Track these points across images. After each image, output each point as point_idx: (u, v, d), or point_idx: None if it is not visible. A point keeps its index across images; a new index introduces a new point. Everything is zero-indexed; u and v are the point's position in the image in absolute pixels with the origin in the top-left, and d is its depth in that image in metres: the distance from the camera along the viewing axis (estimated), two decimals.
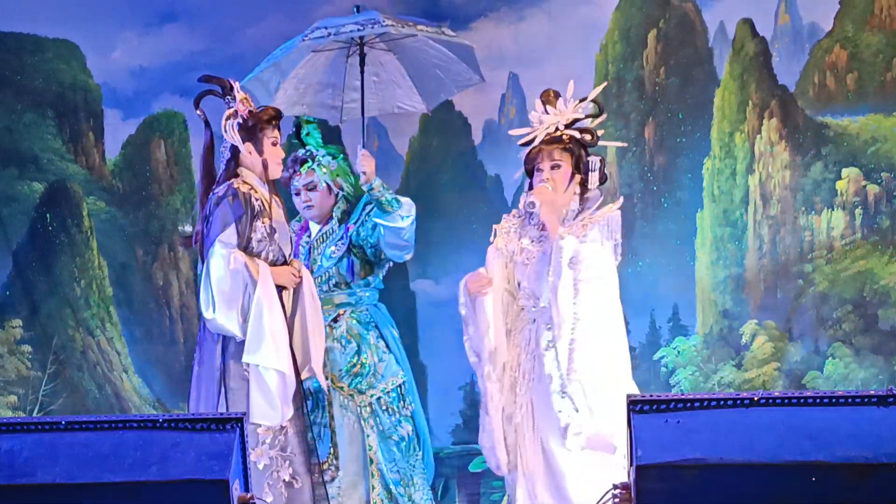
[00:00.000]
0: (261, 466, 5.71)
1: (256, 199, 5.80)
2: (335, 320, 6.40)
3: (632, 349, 8.15)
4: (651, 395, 4.45)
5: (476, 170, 8.31)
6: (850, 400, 4.38)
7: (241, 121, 5.83)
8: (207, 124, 5.96)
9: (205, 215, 5.83)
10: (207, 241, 5.76)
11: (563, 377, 5.60)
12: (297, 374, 5.84)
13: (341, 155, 6.54)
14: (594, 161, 5.88)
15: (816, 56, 8.13)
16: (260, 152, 5.88)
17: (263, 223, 5.81)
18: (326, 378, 6.21)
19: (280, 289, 5.82)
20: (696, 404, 4.40)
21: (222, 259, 5.68)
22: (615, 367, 5.75)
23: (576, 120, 5.90)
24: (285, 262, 5.90)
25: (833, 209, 8.06)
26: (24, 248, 8.31)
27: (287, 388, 5.69)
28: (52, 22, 8.34)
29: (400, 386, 6.39)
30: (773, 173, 8.14)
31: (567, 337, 5.63)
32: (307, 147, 6.45)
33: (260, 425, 5.72)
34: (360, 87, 6.50)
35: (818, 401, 4.41)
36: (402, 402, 6.38)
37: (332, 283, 6.43)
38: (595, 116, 5.94)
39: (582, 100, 5.90)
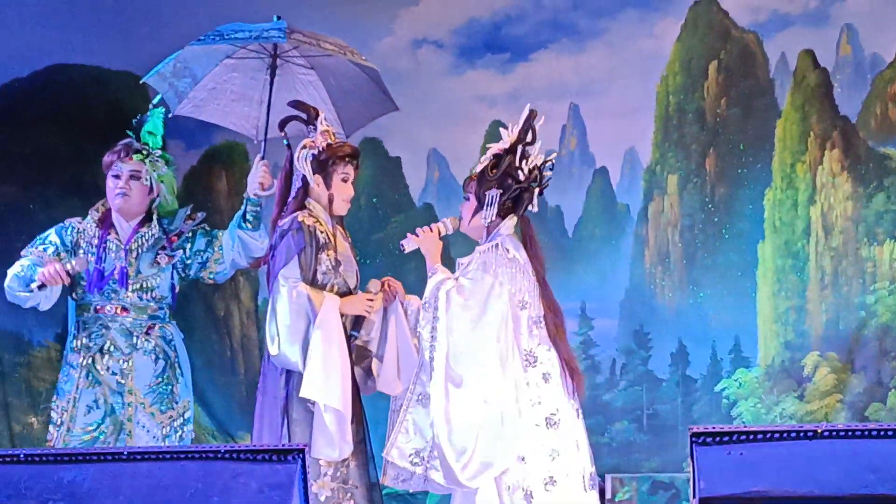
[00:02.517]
0: (322, 498, 5.70)
1: (321, 232, 5.80)
2: (147, 332, 6.25)
3: (692, 380, 8.18)
4: (714, 427, 4.42)
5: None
6: None
7: (315, 152, 5.83)
8: (289, 146, 5.96)
9: (271, 245, 5.84)
10: (272, 275, 5.78)
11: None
12: (360, 407, 5.84)
13: (173, 167, 6.36)
14: (491, 195, 5.80)
15: (878, 87, 8.10)
16: (328, 186, 5.85)
17: (328, 256, 5.81)
18: (130, 392, 6.14)
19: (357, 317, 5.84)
20: (759, 436, 4.37)
21: (285, 292, 5.69)
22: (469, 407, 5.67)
23: (506, 149, 5.83)
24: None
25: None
26: None
27: (340, 424, 5.67)
28: (114, 54, 8.42)
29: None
30: (835, 204, 8.09)
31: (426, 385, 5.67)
32: (144, 142, 6.26)
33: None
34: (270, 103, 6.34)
35: (882, 433, 4.37)
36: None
37: (150, 293, 6.25)
38: (529, 144, 5.86)
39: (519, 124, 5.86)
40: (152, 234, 6.22)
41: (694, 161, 8.23)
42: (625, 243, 8.20)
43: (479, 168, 5.88)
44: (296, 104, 5.98)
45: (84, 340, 6.13)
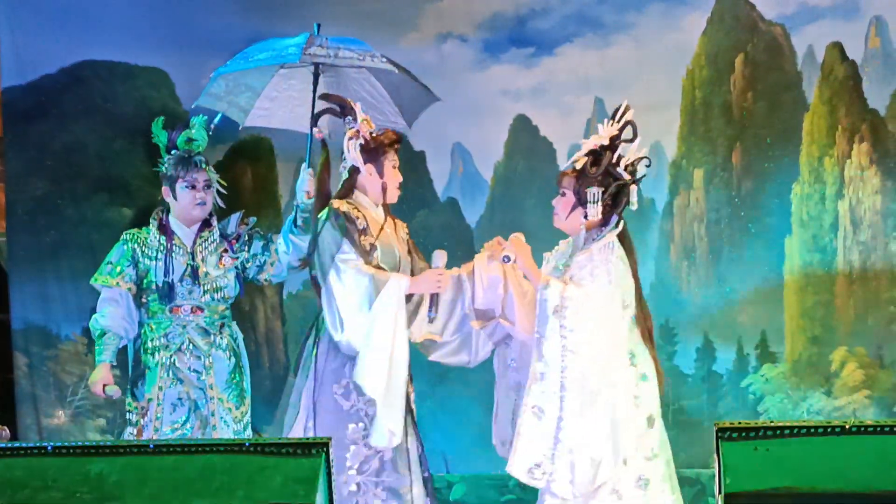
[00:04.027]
0: (345, 493, 5.71)
1: (358, 218, 5.80)
2: (220, 330, 6.42)
3: (719, 376, 8.15)
4: (740, 423, 4.41)
5: None
6: None
7: (362, 142, 5.84)
8: (325, 144, 5.98)
9: (312, 238, 5.85)
10: (323, 266, 5.76)
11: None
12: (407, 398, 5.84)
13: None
14: (594, 192, 5.78)
15: None
16: (381, 175, 5.88)
17: (363, 240, 5.81)
18: (211, 388, 6.28)
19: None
20: (786, 432, 4.37)
21: (348, 275, 5.67)
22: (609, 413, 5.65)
23: (605, 145, 5.81)
24: None
25: None
26: None
27: (393, 411, 5.64)
28: (142, 50, 8.44)
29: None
30: (864, 198, 8.06)
31: (555, 402, 5.59)
32: (187, 149, 6.45)
33: (349, 449, 5.72)
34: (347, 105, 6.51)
35: None
36: None
37: (220, 293, 6.43)
38: (630, 141, 5.84)
39: (613, 119, 5.83)
40: (213, 238, 6.39)
41: (720, 155, 8.21)
42: (650, 238, 8.18)
43: (576, 164, 5.85)
44: (326, 97, 6.00)
45: (162, 340, 6.34)
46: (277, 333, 8.51)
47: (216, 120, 6.66)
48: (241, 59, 6.50)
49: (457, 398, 8.01)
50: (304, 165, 6.36)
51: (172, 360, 6.33)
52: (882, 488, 4.19)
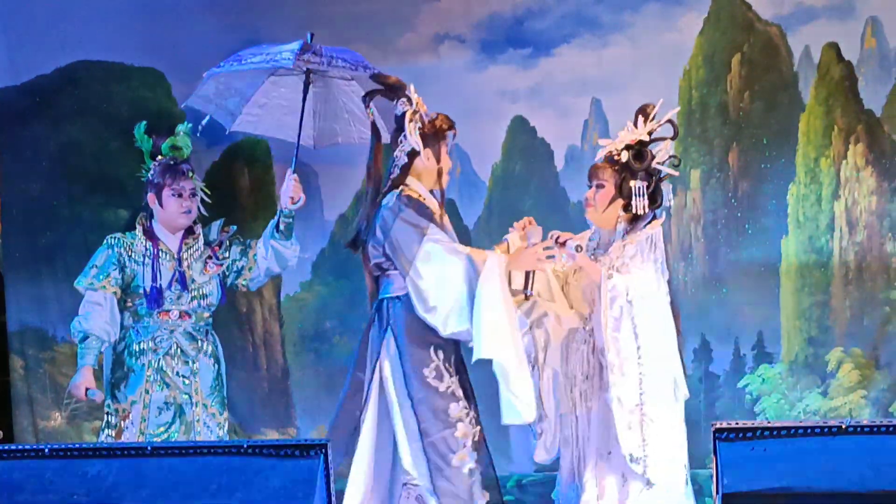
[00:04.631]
0: (465, 470, 5.63)
1: (425, 206, 5.72)
2: (206, 336, 6.43)
3: (716, 377, 8.16)
4: (737, 423, 4.41)
5: (558, 196, 8.28)
6: None
7: (421, 125, 5.78)
8: (375, 128, 5.89)
9: (377, 225, 5.70)
10: (403, 252, 5.63)
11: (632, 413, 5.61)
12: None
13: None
14: (638, 186, 5.81)
15: None
16: (438, 159, 5.76)
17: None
18: (197, 392, 6.30)
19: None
20: (783, 432, 4.37)
21: (441, 257, 5.55)
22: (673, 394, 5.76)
23: (645, 140, 5.84)
24: None
25: None
26: None
27: (521, 384, 5.51)
28: (138, 50, 8.44)
29: None
30: (860, 199, 8.06)
31: (635, 389, 5.62)
32: (173, 156, 6.44)
33: (456, 427, 5.62)
34: (335, 114, 6.50)
35: None
36: None
37: (205, 300, 6.44)
38: (671, 139, 5.89)
39: (646, 116, 5.84)
40: (198, 246, 6.39)
41: (717, 156, 8.21)
42: None
43: (608, 155, 5.85)
44: (377, 77, 5.88)
45: (150, 344, 6.33)
46: (275, 336, 8.50)
47: (204, 122, 6.66)
48: (235, 60, 6.49)
49: None
50: (289, 171, 6.34)
51: (160, 363, 6.33)
52: (878, 488, 4.20)
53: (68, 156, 8.47)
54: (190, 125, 6.56)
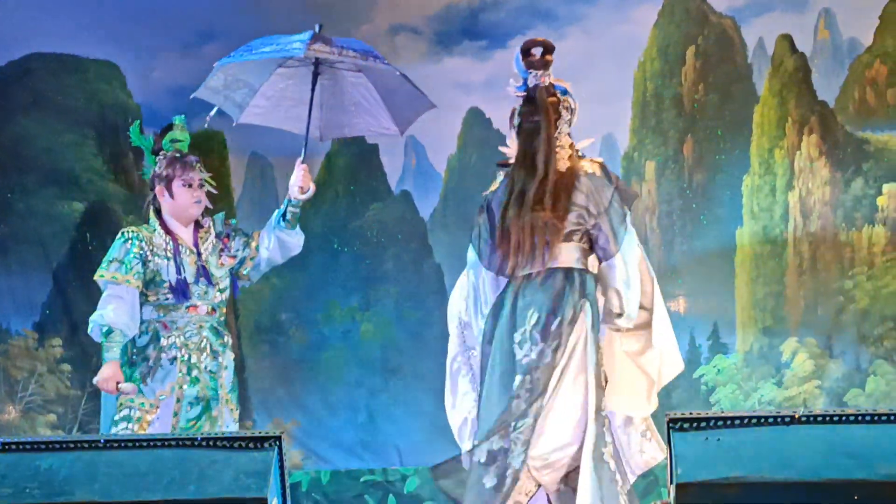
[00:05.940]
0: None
1: None
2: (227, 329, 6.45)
3: None
4: (691, 413, 4.43)
5: None
6: (892, 418, 4.35)
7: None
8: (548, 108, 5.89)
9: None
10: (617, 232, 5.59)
11: None
12: None
13: None
14: None
15: (856, 71, 8.11)
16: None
17: None
18: (222, 388, 6.28)
19: None
20: (737, 422, 4.38)
21: (638, 249, 5.60)
22: None
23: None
24: None
25: (874, 225, 8.01)
26: (64, 267, 8.35)
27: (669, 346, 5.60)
28: (92, 43, 8.39)
29: None
30: (814, 189, 8.10)
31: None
32: (177, 148, 6.43)
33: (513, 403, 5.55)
34: (342, 106, 6.51)
35: (860, 418, 4.38)
36: None
37: (223, 294, 6.42)
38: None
39: None
40: (210, 239, 6.36)
41: (671, 147, 8.24)
42: None
43: None
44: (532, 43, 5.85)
45: (181, 339, 6.26)
46: (231, 328, 8.47)
47: (212, 113, 6.64)
48: (245, 51, 6.44)
49: (410, 391, 8.01)
50: (298, 160, 6.34)
51: (191, 358, 6.30)
52: (831, 477, 4.22)
53: (22, 148, 8.42)
54: (184, 117, 6.53)
